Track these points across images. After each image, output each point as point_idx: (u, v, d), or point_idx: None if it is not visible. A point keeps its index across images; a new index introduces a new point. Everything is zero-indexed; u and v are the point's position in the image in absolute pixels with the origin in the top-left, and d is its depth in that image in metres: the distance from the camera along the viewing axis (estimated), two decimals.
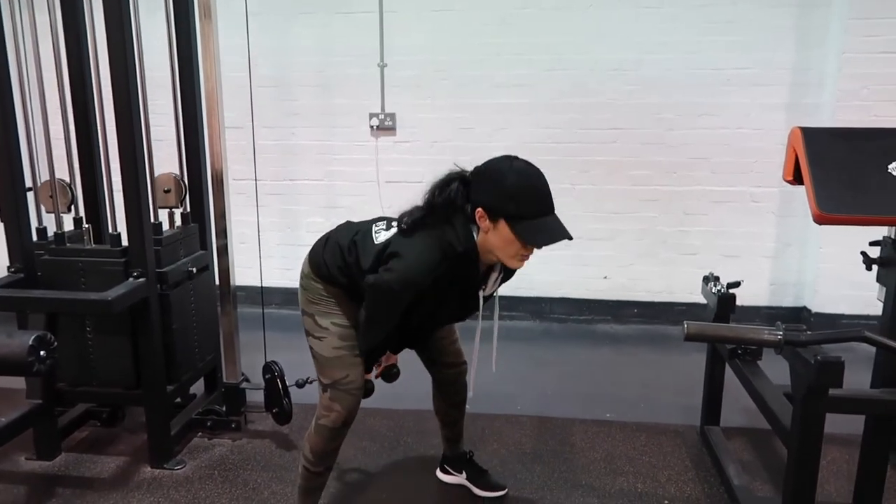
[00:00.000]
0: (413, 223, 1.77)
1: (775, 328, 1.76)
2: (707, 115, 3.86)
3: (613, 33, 3.85)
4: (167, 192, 2.67)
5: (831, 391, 1.75)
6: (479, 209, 1.71)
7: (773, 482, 2.45)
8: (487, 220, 1.70)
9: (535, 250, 1.78)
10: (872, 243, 2.17)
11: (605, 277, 4.17)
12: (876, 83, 3.57)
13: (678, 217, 4.02)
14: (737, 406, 2.81)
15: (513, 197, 1.68)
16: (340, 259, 1.88)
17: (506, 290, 4.08)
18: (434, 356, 2.21)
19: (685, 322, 1.80)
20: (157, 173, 2.62)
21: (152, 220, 2.46)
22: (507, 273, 1.98)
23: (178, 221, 2.73)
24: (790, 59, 3.74)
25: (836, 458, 2.56)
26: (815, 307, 3.92)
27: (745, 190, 3.92)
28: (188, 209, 2.77)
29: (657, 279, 4.11)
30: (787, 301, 4.04)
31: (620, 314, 4.21)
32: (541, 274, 4.20)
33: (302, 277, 2.00)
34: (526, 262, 1.82)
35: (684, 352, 3.53)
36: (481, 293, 1.90)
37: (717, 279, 2.66)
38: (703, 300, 2.71)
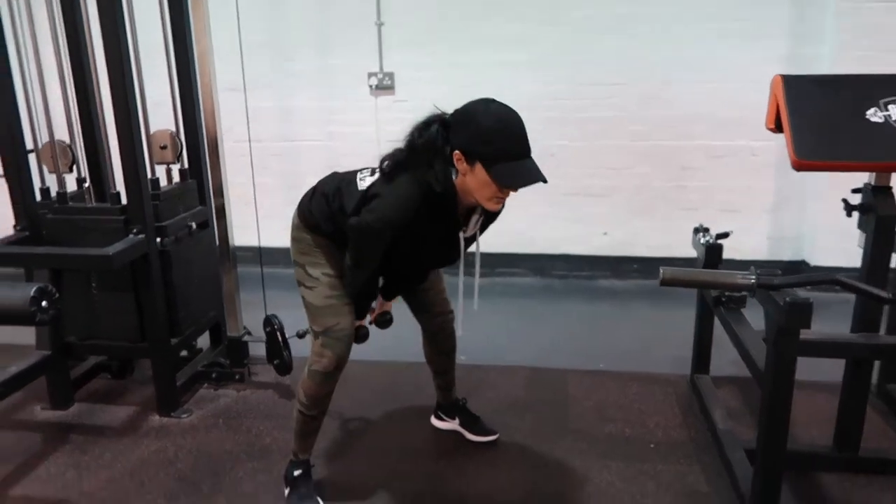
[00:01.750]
0: (394, 165, 1.82)
1: (749, 272, 1.81)
2: (705, 70, 3.84)
3: None
4: (163, 148, 2.73)
5: (803, 335, 1.80)
6: (457, 151, 1.74)
7: (757, 427, 2.51)
8: (465, 163, 1.74)
9: (513, 193, 1.80)
10: (854, 190, 2.18)
11: (605, 234, 4.21)
12: (875, 34, 3.53)
13: (676, 172, 4.03)
14: (727, 356, 2.86)
15: (488, 140, 1.71)
16: (326, 207, 1.95)
17: (506, 246, 4.22)
18: (422, 306, 2.28)
19: (661, 267, 1.85)
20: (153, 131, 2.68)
21: (149, 175, 2.52)
22: (489, 216, 2.01)
23: (176, 178, 2.80)
24: (786, 12, 3.70)
25: (821, 405, 2.61)
26: (814, 261, 3.94)
27: (745, 144, 3.91)
28: (186, 166, 2.83)
29: (656, 234, 4.14)
30: (786, 255, 4.05)
31: (620, 270, 4.25)
32: (541, 231, 4.26)
33: (292, 229, 2.07)
34: (503, 205, 1.85)
35: (682, 306, 3.54)
36: (462, 234, 1.93)
37: (706, 230, 2.68)
38: None
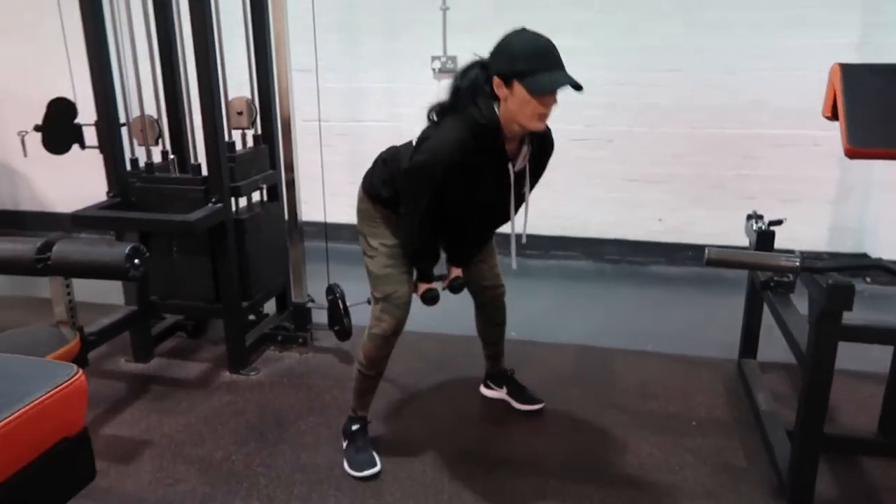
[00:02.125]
0: (441, 111, 1.96)
1: (794, 255, 1.86)
2: (770, 57, 3.80)
3: None
4: (240, 114, 2.92)
5: (846, 319, 1.84)
6: (496, 78, 1.85)
7: (789, 409, 2.55)
8: (504, 87, 1.84)
9: (554, 109, 1.88)
10: None
11: (660, 220, 4.23)
12: None
13: (737, 161, 4.02)
14: (777, 343, 2.88)
15: (520, 56, 1.81)
16: (384, 171, 2.09)
17: (561, 230, 4.30)
18: (476, 279, 2.39)
19: (707, 247, 1.92)
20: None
21: (227, 139, 2.72)
22: (537, 152, 2.08)
23: (249, 142, 3.00)
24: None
25: (872, 393, 2.62)
26: (876, 252, 3.87)
27: (808, 133, 3.86)
28: (259, 131, 3.02)
29: (713, 222, 4.13)
30: (847, 247, 3.99)
31: (674, 256, 4.27)
32: (595, 215, 4.32)
33: (357, 202, 2.22)
34: (545, 121, 1.91)
35: (733, 293, 3.55)
36: (511, 167, 2.00)
37: (760, 217, 2.71)
38: None
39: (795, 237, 3.71)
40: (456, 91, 1.94)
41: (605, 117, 4.12)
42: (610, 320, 3.50)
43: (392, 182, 2.08)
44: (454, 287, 2.30)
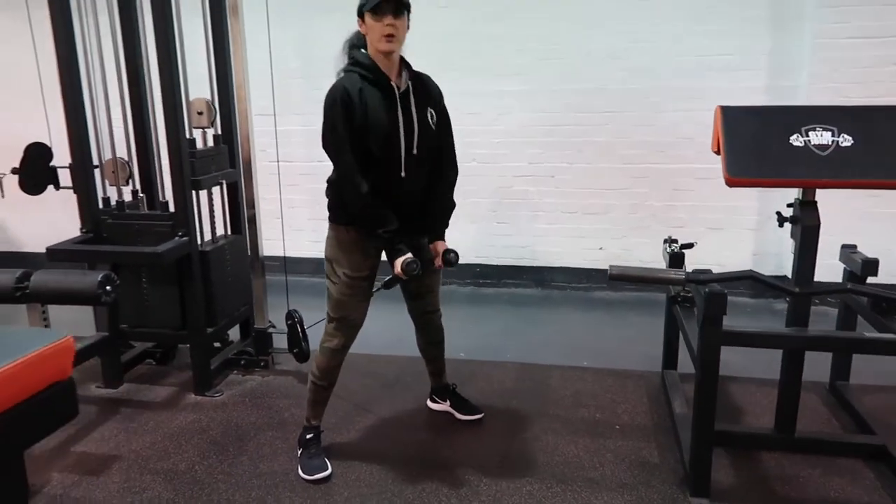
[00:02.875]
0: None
1: (681, 270, 2.17)
2: (692, 99, 4.20)
3: (604, 24, 4.23)
4: (200, 114, 3.18)
5: (727, 326, 2.15)
6: (358, 20, 2.27)
7: None
8: (362, 25, 2.25)
9: (394, 34, 2.20)
10: (789, 205, 2.53)
11: (601, 248, 4.57)
12: (846, 66, 3.87)
13: (667, 192, 4.39)
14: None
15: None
16: (330, 190, 2.41)
17: (511, 260, 4.61)
18: (417, 303, 2.67)
19: (610, 265, 2.22)
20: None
21: (187, 136, 2.97)
22: (418, 85, 2.38)
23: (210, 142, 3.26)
24: (767, 46, 4.06)
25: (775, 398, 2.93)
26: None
27: None
28: (220, 132, 3.28)
29: (649, 249, 4.48)
30: (769, 270, 4.35)
31: (615, 283, 4.59)
32: (542, 245, 4.64)
33: (328, 230, 2.45)
34: (393, 41, 2.21)
35: None
36: (396, 87, 2.28)
37: (675, 241, 3.04)
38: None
39: (722, 262, 4.09)
40: (347, 55, 2.38)
41: (546, 155, 4.48)
42: (551, 340, 3.79)
43: (336, 190, 2.37)
44: (447, 262, 2.43)
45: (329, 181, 2.45)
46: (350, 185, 2.28)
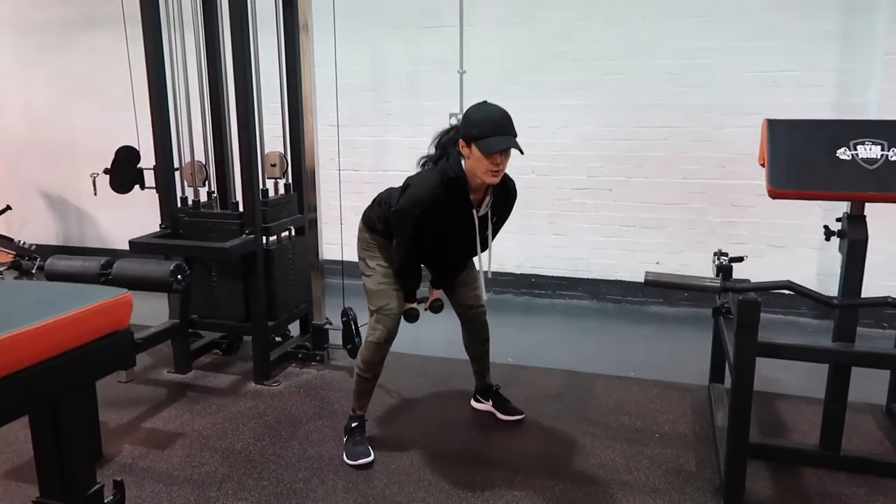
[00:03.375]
0: (426, 162, 2.45)
1: (717, 278, 2.20)
2: (754, 115, 4.14)
3: (665, 40, 4.25)
4: (273, 166, 3.43)
5: (764, 337, 2.17)
6: (461, 141, 2.30)
7: (752, 427, 2.81)
8: (466, 147, 2.29)
9: (506, 169, 2.33)
10: (838, 219, 2.51)
11: (657, 263, 4.55)
12: None
13: (726, 209, 4.34)
14: None
15: (476, 124, 2.26)
16: (380, 210, 2.54)
17: (566, 272, 4.66)
18: (459, 301, 2.79)
19: (646, 271, 2.28)
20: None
21: (261, 187, 3.22)
22: (500, 201, 2.50)
23: (281, 190, 3.49)
24: (836, 62, 3.98)
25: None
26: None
27: None
28: (290, 181, 3.51)
29: (707, 265, 4.41)
30: (834, 290, 4.21)
31: (671, 297, 4.56)
32: (597, 258, 4.67)
33: (358, 232, 2.66)
34: (498, 177, 2.31)
35: None
36: (475, 212, 2.43)
37: (724, 254, 3.04)
38: None
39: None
40: (436, 147, 2.42)
41: (605, 168, 4.52)
42: (600, 351, 3.82)
43: (385, 218, 2.52)
44: (434, 308, 2.73)
45: (378, 203, 2.62)
46: (400, 258, 2.53)
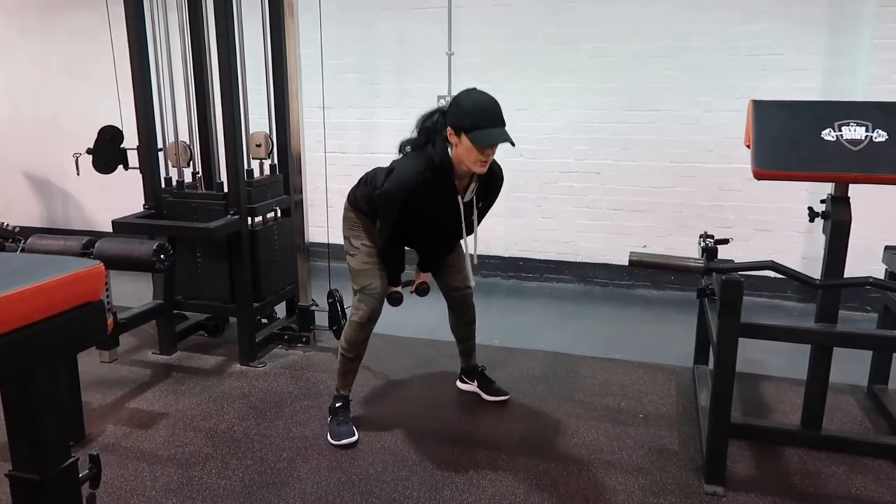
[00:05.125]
0: (407, 146, 2.41)
1: (700, 259, 2.20)
2: (743, 98, 4.14)
3: (655, 23, 4.23)
4: (258, 146, 3.39)
5: (747, 318, 2.17)
6: (449, 128, 2.28)
7: (735, 408, 2.83)
8: (454, 136, 2.26)
9: (494, 158, 2.33)
10: (822, 201, 2.51)
11: (645, 246, 4.55)
12: None
13: (714, 192, 4.35)
14: None
15: (467, 113, 2.23)
16: (365, 189, 2.52)
17: (553, 255, 4.66)
18: (447, 282, 2.78)
19: (630, 251, 2.27)
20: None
21: (246, 167, 3.19)
22: (484, 187, 2.49)
23: (266, 171, 3.46)
24: (824, 46, 3.98)
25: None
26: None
27: None
28: (276, 161, 3.48)
29: (694, 249, 4.42)
30: (819, 274, 4.24)
31: (658, 280, 4.58)
32: (585, 241, 4.67)
33: (343, 212, 2.64)
34: (486, 167, 2.31)
35: None
36: (460, 198, 2.42)
37: (711, 236, 3.03)
38: None
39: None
40: (420, 131, 2.38)
41: (593, 152, 4.51)
42: (587, 334, 3.83)
43: (370, 197, 2.51)
44: (420, 291, 2.72)
45: (364, 182, 2.59)
46: (384, 241, 2.53)
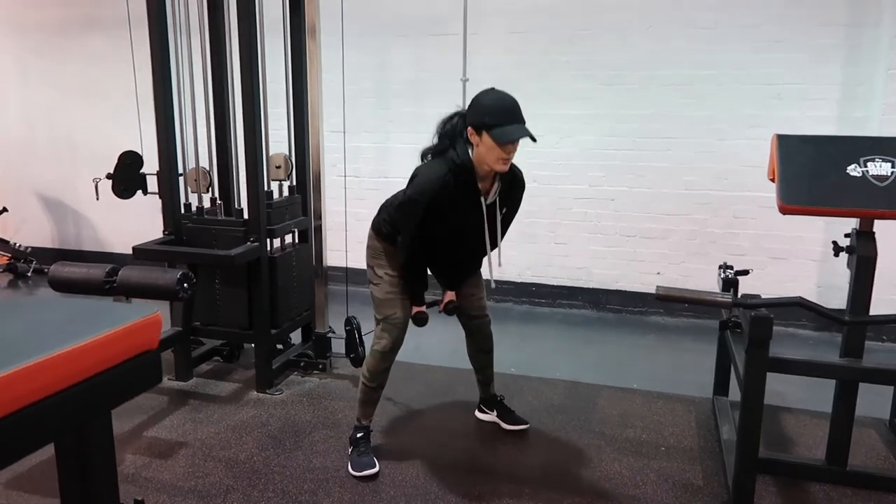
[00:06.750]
0: (429, 153, 2.41)
1: (728, 293, 2.20)
2: (757, 127, 4.17)
3: (670, 51, 4.26)
4: (278, 167, 3.40)
5: (775, 353, 2.16)
6: (469, 128, 2.28)
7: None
8: (475, 135, 2.26)
9: (514, 158, 2.33)
10: (846, 235, 2.52)
11: (658, 273, 4.56)
12: None
13: (728, 220, 4.35)
14: None
15: (487, 112, 2.24)
16: (386, 213, 2.52)
17: (567, 281, 4.65)
18: (464, 310, 2.77)
19: (657, 285, 2.27)
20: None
21: (266, 188, 3.20)
22: (508, 190, 2.48)
23: (286, 192, 3.48)
24: (839, 76, 4.00)
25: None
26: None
27: None
28: (294, 182, 3.49)
29: (708, 276, 4.43)
30: (835, 303, 4.21)
31: (672, 307, 4.57)
32: (598, 268, 4.67)
33: (367, 240, 2.64)
34: (507, 165, 2.30)
35: None
36: (483, 200, 2.41)
37: (730, 267, 3.04)
38: None
39: (785, 293, 4.01)
40: (440, 136, 2.39)
41: (607, 178, 4.53)
42: (603, 362, 3.81)
43: (391, 221, 2.51)
44: (448, 310, 2.69)
45: (385, 206, 2.59)
46: (407, 255, 2.48)
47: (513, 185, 2.51)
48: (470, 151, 2.32)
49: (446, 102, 4.68)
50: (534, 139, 2.24)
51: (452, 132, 2.35)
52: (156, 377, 1.24)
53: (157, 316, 1.22)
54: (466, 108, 2.36)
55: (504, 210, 2.51)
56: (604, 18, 4.34)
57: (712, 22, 4.16)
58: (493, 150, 2.25)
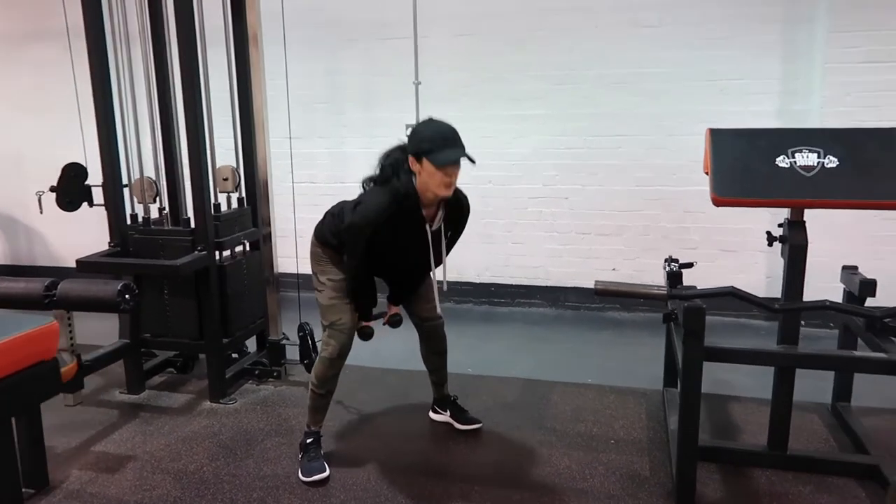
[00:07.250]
0: (371, 181, 2.44)
1: (663, 286, 2.24)
2: (704, 122, 4.20)
3: (616, 50, 4.32)
4: (225, 180, 3.38)
5: (711, 342, 2.21)
6: (411, 157, 2.32)
7: (703, 430, 2.87)
8: (416, 163, 2.30)
9: (457, 183, 2.37)
10: (780, 225, 2.58)
11: (614, 269, 4.61)
12: (858, 90, 3.89)
13: (679, 214, 4.43)
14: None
15: (425, 139, 2.29)
16: (332, 222, 2.52)
17: (524, 279, 4.68)
18: (417, 313, 2.79)
19: (595, 280, 2.31)
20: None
21: (213, 201, 3.17)
22: (453, 215, 2.53)
23: (234, 204, 3.45)
24: (778, 71, 4.10)
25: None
26: (808, 297, 4.21)
27: None
28: (244, 194, 3.46)
29: (661, 271, 4.50)
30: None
31: (628, 303, 4.63)
32: (555, 266, 4.71)
33: (310, 246, 2.64)
34: (451, 189, 2.35)
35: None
36: (428, 227, 2.46)
37: (675, 260, 3.09)
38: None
39: (735, 284, 4.09)
40: (382, 167, 2.42)
41: (560, 177, 4.58)
42: (559, 358, 3.85)
43: (337, 232, 2.51)
44: (392, 322, 2.73)
45: (331, 215, 2.59)
46: (351, 275, 2.52)
47: (457, 210, 2.55)
48: (414, 180, 2.35)
49: (399, 106, 4.77)
50: (472, 161, 2.27)
51: (395, 163, 2.38)
52: (53, 388, 1.22)
53: (53, 325, 1.21)
54: (407, 139, 2.39)
55: (449, 234, 2.56)
56: (553, 19, 4.40)
57: (656, 20, 4.24)
58: (434, 175, 2.28)
